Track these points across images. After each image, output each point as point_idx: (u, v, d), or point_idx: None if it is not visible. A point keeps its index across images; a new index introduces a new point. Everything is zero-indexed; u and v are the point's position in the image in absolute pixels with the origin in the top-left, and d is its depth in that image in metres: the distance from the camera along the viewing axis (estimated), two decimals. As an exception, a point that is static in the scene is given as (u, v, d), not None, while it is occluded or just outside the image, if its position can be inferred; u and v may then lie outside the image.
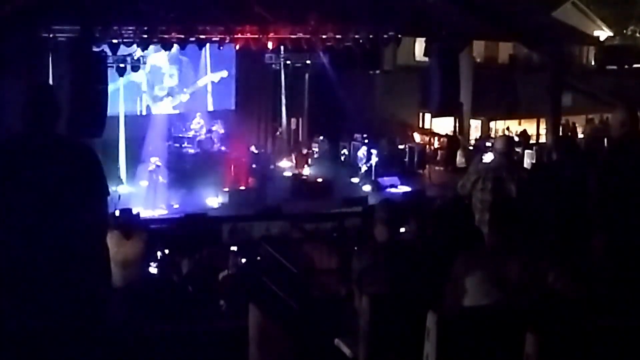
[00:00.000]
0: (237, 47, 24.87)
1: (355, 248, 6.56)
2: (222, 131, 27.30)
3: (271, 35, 23.03)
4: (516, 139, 29.04)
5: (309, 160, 27.64)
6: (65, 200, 4.90)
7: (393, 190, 25.45)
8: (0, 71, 19.00)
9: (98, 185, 5.12)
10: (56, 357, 5.00)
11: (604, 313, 4.63)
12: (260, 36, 22.88)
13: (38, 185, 4.84)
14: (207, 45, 23.29)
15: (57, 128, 5.10)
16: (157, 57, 25.79)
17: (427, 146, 30.73)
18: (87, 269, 5.17)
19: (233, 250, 14.48)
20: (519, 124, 33.66)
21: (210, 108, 28.35)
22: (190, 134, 26.66)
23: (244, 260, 14.01)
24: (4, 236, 4.92)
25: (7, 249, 4.92)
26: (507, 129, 32.46)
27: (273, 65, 27.96)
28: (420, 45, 28.47)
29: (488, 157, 15.01)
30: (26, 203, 4.84)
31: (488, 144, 26.48)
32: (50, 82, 19.19)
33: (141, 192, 23.06)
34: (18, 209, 4.85)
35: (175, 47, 22.25)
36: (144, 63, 23.75)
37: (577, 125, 33.04)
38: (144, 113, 26.65)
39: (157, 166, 23.38)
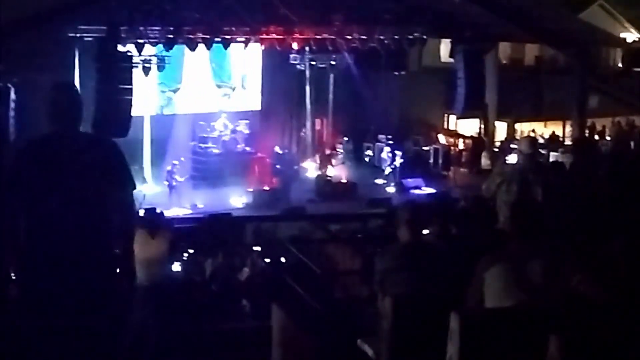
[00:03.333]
0: (263, 48, 24.93)
1: (379, 249, 6.54)
2: (246, 131, 27.37)
3: (296, 35, 23.06)
4: (541, 140, 28.92)
5: (333, 161, 27.62)
6: (90, 194, 4.96)
7: (417, 191, 25.40)
8: (27, 70, 19.14)
9: (122, 179, 5.18)
10: (80, 353, 5.04)
11: (628, 316, 4.59)
12: (285, 37, 22.92)
13: (64, 181, 4.90)
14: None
15: (80, 125, 5.16)
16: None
17: (452, 148, 30.63)
18: (113, 262, 5.24)
19: (257, 251, 14.51)
20: (545, 125, 33.48)
21: (235, 108, 28.38)
22: (215, 134, 26.71)
23: (267, 260, 14.05)
24: (33, 230, 4.99)
25: (34, 243, 4.98)
26: (533, 130, 32.29)
27: (298, 66, 27.95)
28: (445, 46, 28.36)
29: (512, 158, 14.94)
30: (51, 198, 4.89)
31: (513, 145, 26.35)
32: (77, 81, 19.33)
33: (165, 192, 23.16)
34: (45, 206, 4.90)
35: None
36: (169, 63, 23.80)
37: (605, 127, 32.83)
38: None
39: (174, 164, 23.44)
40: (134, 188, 5.33)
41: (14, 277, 6.16)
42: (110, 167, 5.09)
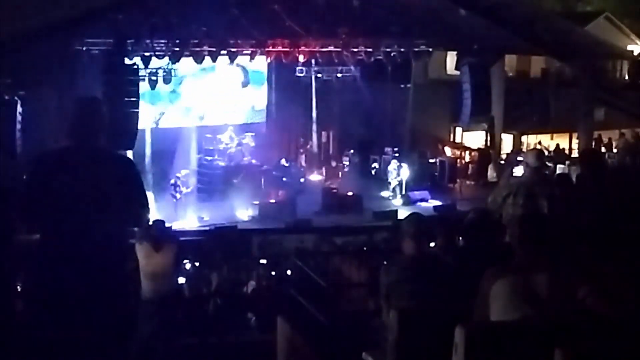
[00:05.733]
0: (269, 60, 24.97)
1: (384, 262, 6.52)
2: (252, 144, 27.37)
3: (302, 48, 23.12)
4: (548, 153, 28.89)
5: (340, 174, 27.61)
6: (104, 208, 4.96)
7: (423, 204, 25.36)
8: (34, 84, 19.20)
9: (136, 195, 5.19)
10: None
11: (634, 330, 4.57)
12: (292, 49, 22.97)
13: (78, 194, 4.90)
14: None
15: (100, 140, 5.17)
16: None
17: (458, 160, 30.56)
18: (122, 276, 5.25)
19: (262, 264, 14.49)
20: (551, 138, 33.44)
21: (241, 121, 28.42)
22: (221, 146, 26.72)
23: (273, 273, 14.03)
24: (45, 241, 5.00)
25: (46, 253, 4.99)
26: (539, 143, 32.26)
27: (304, 79, 27.99)
28: (451, 58, 28.41)
29: (518, 171, 14.88)
30: (66, 211, 4.90)
31: (519, 158, 26.30)
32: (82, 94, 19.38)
33: (171, 205, 23.17)
34: (58, 216, 4.91)
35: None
36: (175, 76, 23.86)
37: (611, 139, 32.78)
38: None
39: (177, 177, 23.45)
40: (147, 204, 5.36)
41: (20, 289, 6.14)
42: (125, 183, 5.10)
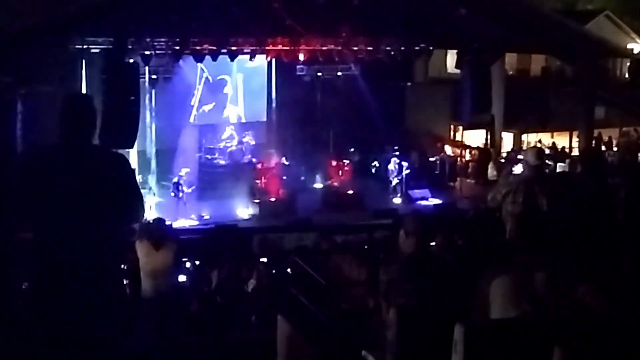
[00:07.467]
0: (269, 59, 24.97)
1: (384, 260, 6.53)
2: (253, 142, 27.40)
3: (303, 47, 23.12)
4: (548, 151, 28.88)
5: (340, 172, 27.62)
6: (97, 207, 4.95)
7: (424, 202, 25.36)
8: (34, 82, 19.19)
9: (129, 192, 5.17)
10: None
11: (632, 329, 4.58)
12: (292, 48, 22.97)
13: (71, 192, 4.89)
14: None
15: (93, 137, 5.15)
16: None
17: (459, 159, 30.59)
18: (116, 275, 5.24)
19: (263, 262, 14.49)
20: (552, 136, 33.43)
21: (242, 119, 28.43)
22: (221, 145, 26.75)
23: (273, 271, 14.03)
24: (38, 240, 4.99)
25: (40, 253, 4.98)
26: (539, 141, 32.25)
27: (304, 77, 27.98)
28: (452, 57, 28.41)
29: (518, 169, 14.89)
30: (60, 209, 4.88)
31: (520, 156, 26.29)
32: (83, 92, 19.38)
33: (172, 203, 23.18)
34: (51, 215, 4.90)
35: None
36: (176, 74, 23.87)
37: (612, 137, 32.77)
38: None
39: (180, 176, 23.46)
40: (141, 201, 5.35)
41: (20, 288, 6.12)
42: (118, 180, 5.08)
